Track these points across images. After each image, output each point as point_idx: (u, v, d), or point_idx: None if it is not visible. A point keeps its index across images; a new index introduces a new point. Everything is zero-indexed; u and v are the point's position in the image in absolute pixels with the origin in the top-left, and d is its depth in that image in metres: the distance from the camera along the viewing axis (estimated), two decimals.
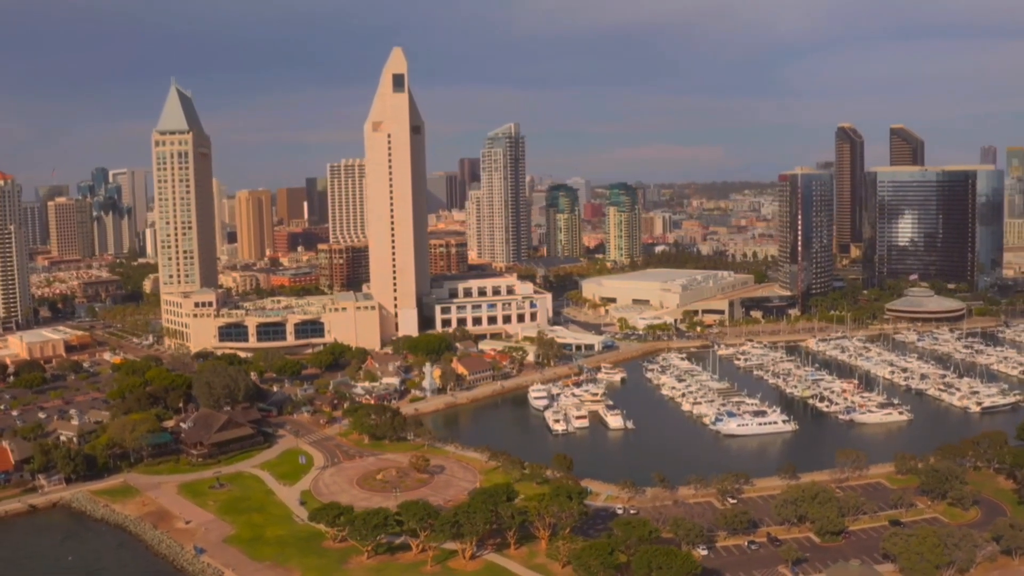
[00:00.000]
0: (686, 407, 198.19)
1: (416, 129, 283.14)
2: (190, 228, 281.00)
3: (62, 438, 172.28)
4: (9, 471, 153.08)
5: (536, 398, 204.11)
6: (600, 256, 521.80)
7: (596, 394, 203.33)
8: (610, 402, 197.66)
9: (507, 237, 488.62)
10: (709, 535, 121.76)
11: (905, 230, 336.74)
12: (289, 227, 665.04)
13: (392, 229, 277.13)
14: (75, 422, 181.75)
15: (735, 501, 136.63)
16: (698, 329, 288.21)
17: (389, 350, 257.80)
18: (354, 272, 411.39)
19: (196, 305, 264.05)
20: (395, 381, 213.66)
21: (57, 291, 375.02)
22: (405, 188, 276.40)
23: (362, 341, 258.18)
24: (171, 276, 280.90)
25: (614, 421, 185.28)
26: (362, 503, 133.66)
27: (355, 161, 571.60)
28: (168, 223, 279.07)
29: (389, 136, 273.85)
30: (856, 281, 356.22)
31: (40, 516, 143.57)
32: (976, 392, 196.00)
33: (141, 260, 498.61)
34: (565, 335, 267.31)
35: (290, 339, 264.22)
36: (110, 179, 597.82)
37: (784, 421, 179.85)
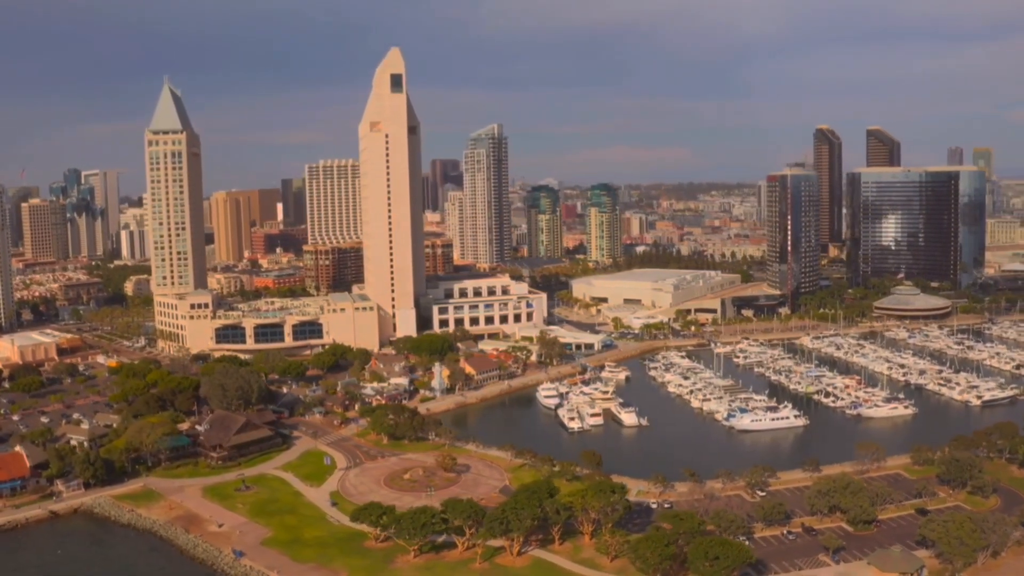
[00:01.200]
0: (695, 404, 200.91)
1: (412, 129, 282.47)
2: (183, 229, 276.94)
3: (72, 442, 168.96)
4: (25, 477, 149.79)
5: (546, 397, 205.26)
6: (581, 257, 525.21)
7: (606, 392, 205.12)
8: (620, 400, 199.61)
9: (490, 238, 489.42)
10: (747, 527, 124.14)
11: (889, 230, 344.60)
12: (263, 229, 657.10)
13: (390, 230, 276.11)
14: (85, 426, 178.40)
15: (764, 494, 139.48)
16: (692, 328, 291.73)
17: (389, 351, 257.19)
18: (340, 273, 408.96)
19: (192, 307, 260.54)
20: (404, 381, 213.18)
21: (36, 294, 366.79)
22: (403, 188, 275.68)
23: (361, 342, 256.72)
24: (164, 278, 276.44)
25: (628, 418, 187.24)
26: (394, 503, 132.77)
27: (334, 162, 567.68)
28: (161, 224, 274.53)
29: (387, 136, 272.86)
30: (840, 280, 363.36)
31: (62, 522, 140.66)
32: (975, 386, 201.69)
33: (117, 262, 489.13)
34: (564, 335, 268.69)
35: (288, 340, 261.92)
36: (82, 180, 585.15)
37: (796, 416, 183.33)
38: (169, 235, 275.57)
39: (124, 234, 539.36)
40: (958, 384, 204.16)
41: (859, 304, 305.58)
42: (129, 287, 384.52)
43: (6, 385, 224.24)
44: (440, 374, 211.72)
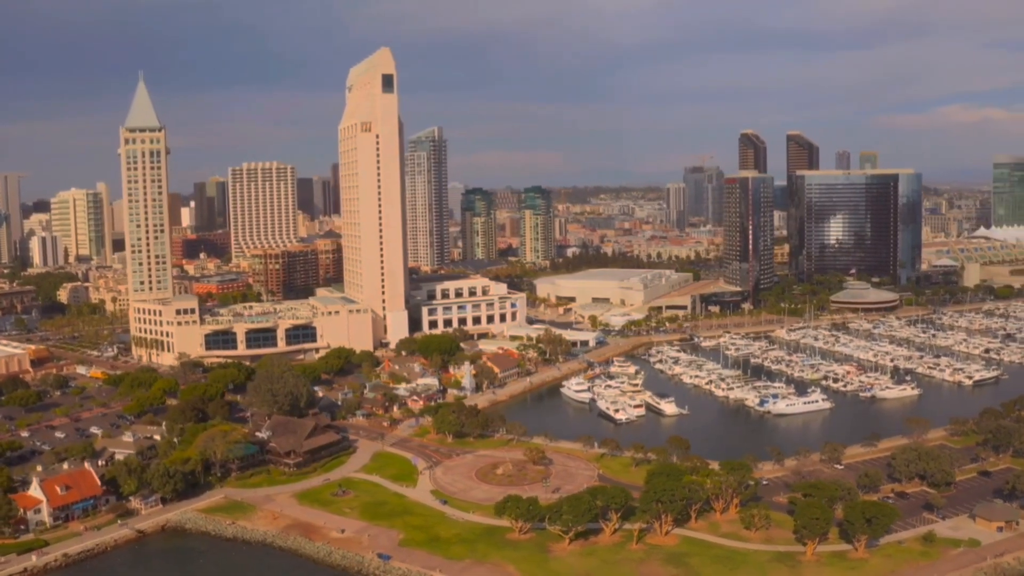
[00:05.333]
0: (719, 392, 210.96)
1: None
2: (162, 231, 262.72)
3: (117, 457, 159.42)
4: (98, 495, 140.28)
5: (577, 391, 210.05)
6: (515, 259, 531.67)
7: (636, 384, 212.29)
8: (650, 392, 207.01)
9: (431, 240, 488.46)
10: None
11: (832, 229, 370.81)
12: (177, 234, 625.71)
13: (380, 231, 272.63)
14: (128, 439, 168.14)
15: (841, 466, 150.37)
16: (668, 324, 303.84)
17: (384, 352, 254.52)
18: (290, 277, 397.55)
19: (178, 312, 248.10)
20: (434, 381, 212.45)
21: None
22: (395, 189, 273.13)
23: (355, 344, 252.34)
24: (142, 283, 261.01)
25: (669, 408, 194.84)
26: (502, 496, 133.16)
27: (258, 165, 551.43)
28: (139, 226, 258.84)
29: (378, 137, 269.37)
30: (785, 276, 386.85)
31: (154, 541, 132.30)
32: (961, 369, 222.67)
33: (32, 270, 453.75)
34: (561, 332, 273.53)
35: (281, 345, 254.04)
36: None
37: (823, 400, 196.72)
38: (147, 238, 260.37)
39: (35, 241, 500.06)
40: (946, 367, 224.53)
41: (818, 298, 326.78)
42: (63, 295, 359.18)
43: None
44: (470, 373, 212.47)
